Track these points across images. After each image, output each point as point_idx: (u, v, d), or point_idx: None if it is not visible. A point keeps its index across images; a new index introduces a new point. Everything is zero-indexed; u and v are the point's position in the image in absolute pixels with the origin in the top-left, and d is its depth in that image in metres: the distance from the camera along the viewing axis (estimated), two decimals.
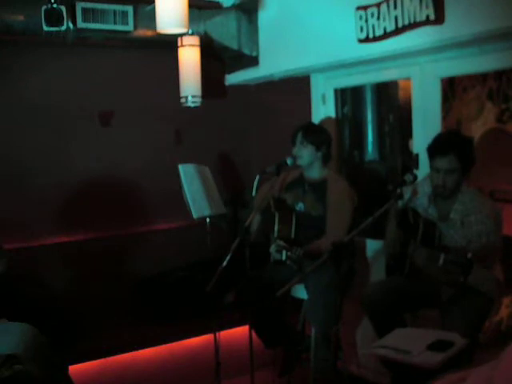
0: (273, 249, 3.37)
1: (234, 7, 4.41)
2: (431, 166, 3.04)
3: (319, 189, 3.57)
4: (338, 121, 4.46)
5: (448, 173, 2.95)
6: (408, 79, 3.83)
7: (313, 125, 3.93)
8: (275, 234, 3.44)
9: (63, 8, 3.72)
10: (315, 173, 3.63)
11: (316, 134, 3.62)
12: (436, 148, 3.01)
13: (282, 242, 3.32)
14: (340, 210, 3.48)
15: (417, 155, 3.58)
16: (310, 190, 3.60)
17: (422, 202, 3.13)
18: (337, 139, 4.32)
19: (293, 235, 3.47)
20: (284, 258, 3.25)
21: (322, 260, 2.72)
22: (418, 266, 2.99)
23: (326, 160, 3.64)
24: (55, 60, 4.36)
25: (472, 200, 2.98)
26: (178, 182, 3.90)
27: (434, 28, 3.14)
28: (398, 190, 2.90)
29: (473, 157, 3.04)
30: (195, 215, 3.83)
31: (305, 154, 3.58)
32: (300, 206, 3.60)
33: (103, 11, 3.93)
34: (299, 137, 3.59)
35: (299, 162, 3.59)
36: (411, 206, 3.12)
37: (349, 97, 4.63)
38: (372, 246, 3.96)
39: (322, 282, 3.31)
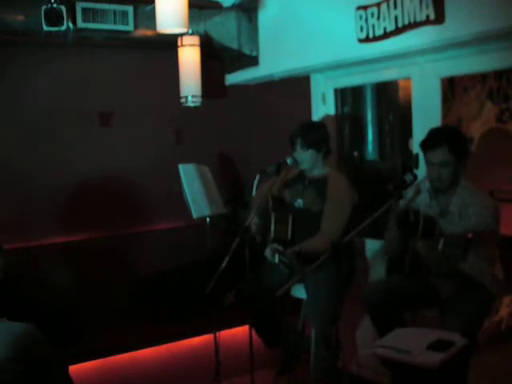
0: (267, 252, 3.40)
1: (234, 7, 4.41)
2: (426, 161, 3.07)
3: (319, 185, 3.55)
4: (338, 119, 4.45)
5: (442, 166, 2.98)
6: (408, 79, 3.83)
7: (310, 126, 3.73)
8: (271, 235, 3.43)
9: (63, 8, 3.72)
10: (317, 171, 3.62)
11: (315, 137, 3.55)
12: (428, 142, 3.05)
13: (275, 245, 3.34)
14: (338, 207, 3.46)
15: (417, 155, 3.58)
16: (311, 186, 3.59)
17: (424, 197, 3.14)
18: (337, 137, 4.32)
19: (289, 236, 3.45)
20: (277, 261, 3.28)
21: (322, 260, 2.72)
22: (419, 262, 3.00)
23: (326, 156, 3.63)
24: (55, 60, 4.36)
25: (471, 194, 3.00)
26: (178, 182, 3.91)
27: (434, 28, 3.14)
28: (398, 192, 2.90)
29: (466, 147, 3.07)
30: (195, 215, 3.83)
31: (306, 159, 3.55)
32: (299, 202, 3.59)
33: (103, 11, 3.93)
34: (299, 143, 3.55)
35: (302, 166, 3.57)
36: (412, 205, 3.13)
37: (349, 97, 4.63)
38: (372, 245, 3.96)
39: (321, 281, 3.31)
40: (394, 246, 3.18)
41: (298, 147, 3.54)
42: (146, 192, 4.68)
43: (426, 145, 3.05)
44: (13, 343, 2.69)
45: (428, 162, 3.05)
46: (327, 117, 4.38)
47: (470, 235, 2.47)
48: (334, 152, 3.84)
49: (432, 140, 3.02)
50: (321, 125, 3.77)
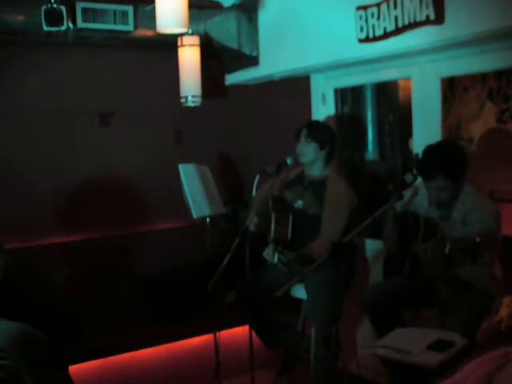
0: (266, 252, 3.40)
1: (234, 7, 4.41)
2: (423, 184, 3.05)
3: (319, 187, 3.55)
4: (338, 119, 4.45)
5: (440, 191, 2.98)
6: (408, 79, 3.83)
7: (318, 123, 3.87)
8: (271, 235, 3.43)
9: (63, 8, 3.72)
10: (317, 171, 3.61)
11: (321, 132, 3.58)
12: (423, 170, 3.02)
13: (275, 246, 3.34)
14: (337, 211, 3.46)
15: (417, 155, 3.58)
16: (310, 188, 3.59)
17: (423, 202, 3.13)
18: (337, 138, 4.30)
19: (289, 236, 3.45)
20: (276, 260, 3.28)
21: (322, 260, 2.72)
22: (420, 264, 3.00)
23: (328, 159, 3.62)
24: (55, 60, 4.36)
25: (473, 199, 2.99)
26: (178, 182, 3.90)
27: (434, 28, 3.14)
28: (398, 192, 2.90)
29: (463, 167, 3.04)
30: (195, 215, 3.83)
31: (308, 152, 3.55)
32: (299, 204, 3.59)
33: (103, 11, 3.93)
34: (304, 133, 3.56)
35: (301, 159, 3.57)
36: (412, 206, 3.12)
37: (349, 97, 4.63)
38: (372, 246, 3.96)
39: (321, 281, 3.31)
40: (392, 247, 3.18)
41: (303, 138, 3.55)
42: (146, 192, 4.68)
43: (421, 172, 3.03)
44: (13, 343, 2.69)
45: (425, 186, 3.04)
46: (329, 118, 4.38)
47: (478, 239, 2.47)
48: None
49: (427, 169, 3.00)
50: (329, 126, 3.81)
